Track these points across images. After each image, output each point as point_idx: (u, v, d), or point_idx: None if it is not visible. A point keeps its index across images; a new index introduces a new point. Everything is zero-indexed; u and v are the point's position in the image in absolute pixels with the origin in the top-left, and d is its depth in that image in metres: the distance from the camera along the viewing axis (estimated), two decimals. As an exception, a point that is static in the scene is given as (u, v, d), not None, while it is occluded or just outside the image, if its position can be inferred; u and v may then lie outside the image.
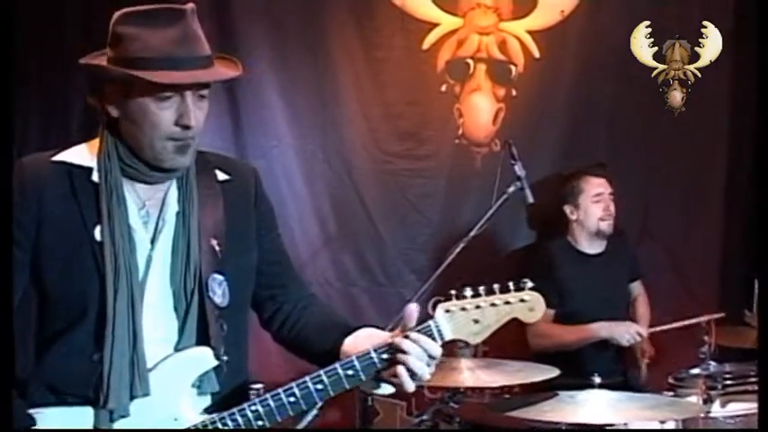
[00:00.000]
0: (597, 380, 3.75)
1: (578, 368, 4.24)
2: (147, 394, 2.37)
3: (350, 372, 2.38)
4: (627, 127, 5.40)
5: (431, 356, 2.37)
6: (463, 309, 2.42)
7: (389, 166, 5.11)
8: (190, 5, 2.39)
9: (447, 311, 2.42)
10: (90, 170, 2.44)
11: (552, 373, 3.95)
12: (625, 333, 4.61)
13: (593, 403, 3.68)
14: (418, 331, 2.39)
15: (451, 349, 4.53)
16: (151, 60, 2.32)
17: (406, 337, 2.37)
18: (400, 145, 5.13)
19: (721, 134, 5.49)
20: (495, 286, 2.45)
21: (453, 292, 2.45)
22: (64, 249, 2.40)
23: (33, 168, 2.45)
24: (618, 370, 4.80)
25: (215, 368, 2.44)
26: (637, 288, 5.08)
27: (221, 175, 2.56)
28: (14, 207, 2.39)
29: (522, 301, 2.44)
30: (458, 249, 4.23)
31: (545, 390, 3.89)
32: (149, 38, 2.33)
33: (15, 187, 2.41)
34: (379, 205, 5.11)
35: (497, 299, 2.43)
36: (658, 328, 4.73)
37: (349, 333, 2.53)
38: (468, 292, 2.44)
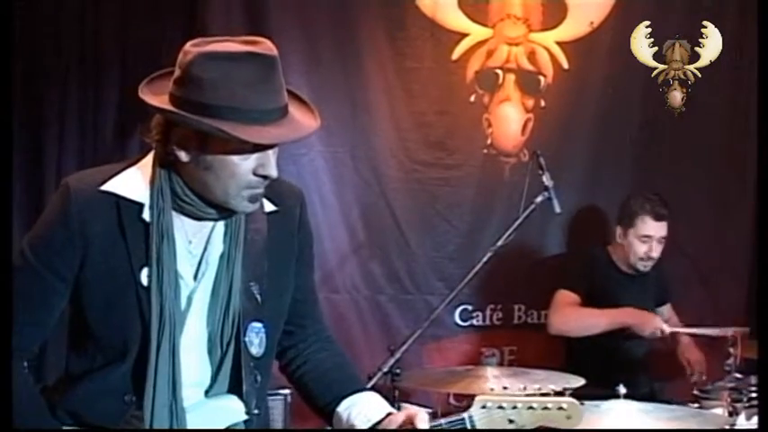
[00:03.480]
0: (622, 390, 3.75)
1: (604, 378, 4.25)
2: None
3: None
4: (656, 138, 5.41)
5: None
6: (500, 407, 2.40)
7: (418, 174, 5.13)
8: (274, 51, 2.27)
9: (484, 407, 2.40)
10: (140, 206, 2.34)
11: (578, 382, 3.96)
12: (650, 325, 4.59)
13: (618, 413, 3.68)
14: (450, 422, 2.39)
15: (478, 357, 4.57)
16: (237, 111, 2.19)
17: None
18: (429, 154, 5.15)
19: (751, 144, 5.49)
20: (536, 386, 2.45)
21: (492, 388, 2.44)
22: (107, 288, 2.33)
23: (80, 197, 2.32)
24: (644, 380, 4.80)
25: (244, 421, 2.41)
26: (666, 312, 5.06)
27: (269, 206, 2.47)
28: (55, 234, 2.32)
29: (561, 408, 2.42)
30: (485, 258, 4.25)
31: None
32: (236, 86, 2.19)
33: (59, 213, 2.33)
34: (407, 214, 5.12)
35: (536, 402, 2.41)
36: (683, 330, 4.73)
37: (348, 395, 2.51)
38: (508, 388, 2.44)
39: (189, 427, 2.35)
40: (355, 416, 2.46)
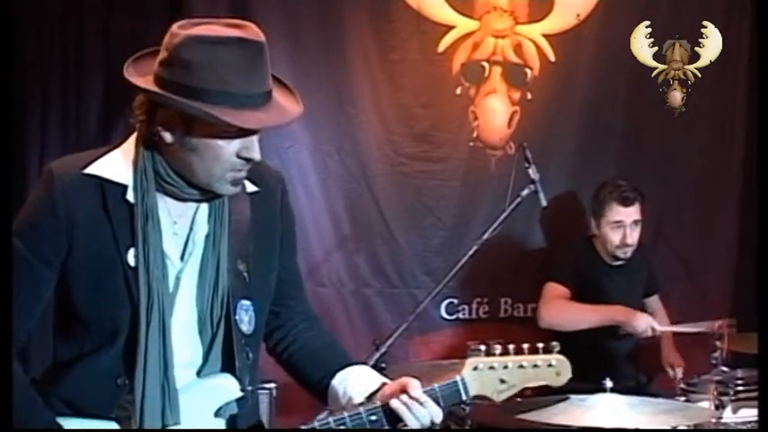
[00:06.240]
0: (609, 384, 3.75)
1: (590, 372, 4.24)
2: (177, 423, 2.35)
3: (341, 427, 2.41)
4: (642, 132, 5.41)
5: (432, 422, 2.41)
6: (491, 367, 2.46)
7: (404, 167, 5.11)
8: (261, 36, 2.30)
9: (475, 368, 2.46)
10: (124, 187, 2.35)
11: (564, 376, 3.95)
12: (641, 323, 4.56)
13: (605, 407, 3.68)
14: (443, 386, 2.43)
15: (464, 351, 4.56)
16: (224, 95, 2.22)
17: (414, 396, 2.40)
18: (415, 147, 5.13)
19: (736, 139, 5.50)
20: (525, 346, 2.49)
21: (482, 347, 2.48)
22: (94, 271, 2.34)
23: (64, 181, 2.34)
24: (630, 374, 4.80)
25: (237, 399, 2.43)
26: (654, 303, 5.06)
27: (250, 187, 2.49)
28: (41, 220, 2.33)
29: (550, 365, 2.50)
30: (471, 251, 4.25)
31: (557, 393, 3.89)
32: (224, 70, 2.22)
33: (44, 199, 2.34)
34: (393, 207, 5.10)
35: (525, 360, 2.48)
36: (673, 328, 4.73)
37: (340, 369, 2.55)
38: (497, 349, 2.47)
39: (183, 407, 2.36)
40: (351, 388, 2.50)
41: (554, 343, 2.54)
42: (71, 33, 4.58)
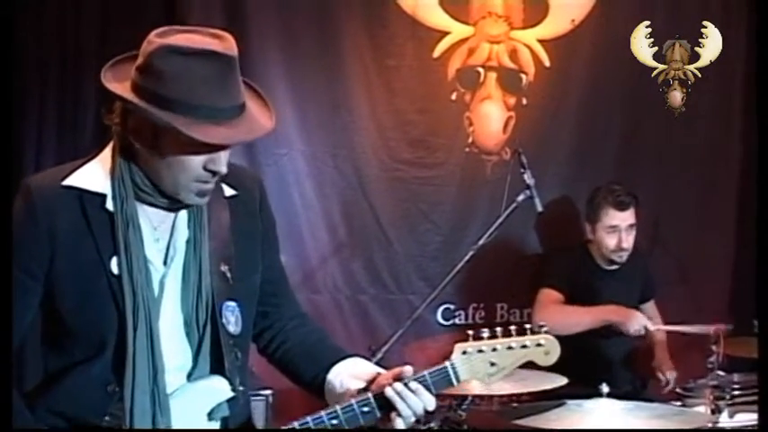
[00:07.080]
0: (605, 389, 3.74)
1: (587, 377, 4.24)
2: (168, 426, 2.35)
3: (334, 421, 2.40)
4: (640, 133, 5.41)
5: (426, 410, 2.41)
6: (480, 351, 2.45)
7: (400, 173, 5.12)
8: (234, 50, 2.29)
9: (464, 353, 2.45)
10: (103, 197, 2.37)
11: (561, 381, 3.95)
12: (634, 323, 4.56)
13: (601, 412, 3.68)
14: (433, 373, 2.43)
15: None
16: (193, 107, 2.22)
17: (405, 384, 2.40)
18: (411, 153, 5.13)
19: (735, 139, 5.50)
20: (512, 328, 2.48)
21: (470, 332, 2.47)
22: (79, 281, 2.35)
23: (43, 194, 2.36)
24: (627, 379, 4.79)
25: (229, 399, 2.43)
26: (649, 309, 5.05)
27: (228, 191, 2.52)
28: (23, 233, 2.34)
29: (539, 345, 2.47)
30: (467, 257, 4.26)
31: (553, 398, 3.89)
32: (193, 82, 2.22)
33: (24, 213, 2.35)
34: (389, 213, 5.11)
35: (514, 341, 2.46)
36: (667, 328, 4.73)
37: (335, 363, 2.55)
38: (485, 333, 2.46)
39: (176, 411, 2.37)
40: (348, 380, 2.51)
41: (542, 323, 2.53)
42: (68, 44, 4.58)
